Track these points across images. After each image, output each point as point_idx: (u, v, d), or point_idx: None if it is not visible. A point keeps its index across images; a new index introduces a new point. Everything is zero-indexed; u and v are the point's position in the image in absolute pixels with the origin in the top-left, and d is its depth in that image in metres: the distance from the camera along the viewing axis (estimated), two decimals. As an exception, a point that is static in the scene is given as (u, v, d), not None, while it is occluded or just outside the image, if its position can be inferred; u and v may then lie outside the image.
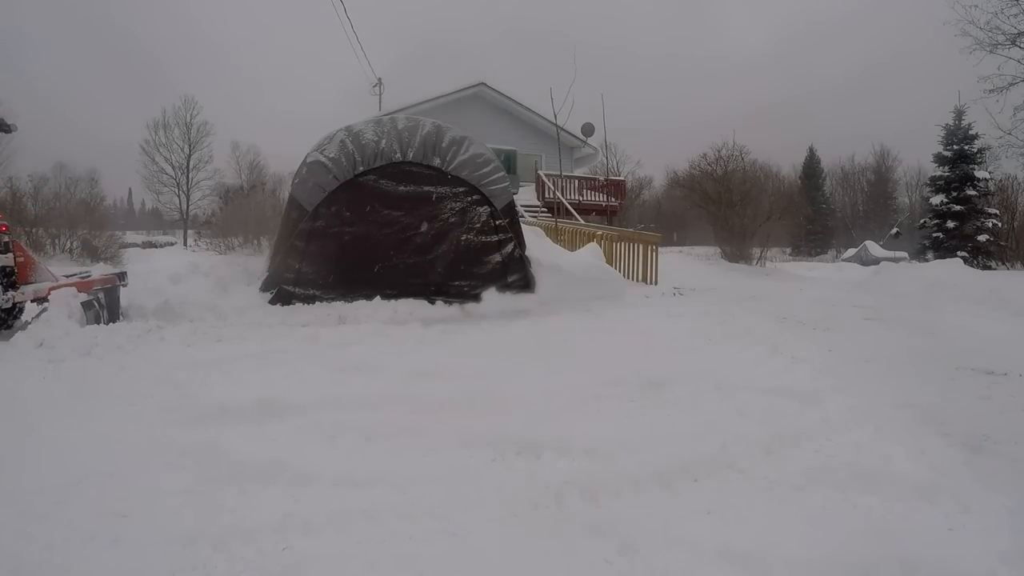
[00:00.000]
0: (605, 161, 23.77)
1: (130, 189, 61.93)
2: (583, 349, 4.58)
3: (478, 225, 7.33)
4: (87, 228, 11.34)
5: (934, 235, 20.55)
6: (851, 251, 31.99)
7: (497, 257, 7.48)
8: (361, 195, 6.84)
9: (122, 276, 6.03)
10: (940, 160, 20.98)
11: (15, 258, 5.24)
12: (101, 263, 10.00)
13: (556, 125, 14.62)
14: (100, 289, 5.52)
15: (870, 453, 2.37)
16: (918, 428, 2.72)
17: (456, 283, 7.24)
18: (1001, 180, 21.26)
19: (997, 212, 20.00)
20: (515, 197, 8.80)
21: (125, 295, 6.00)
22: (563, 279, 8.24)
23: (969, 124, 20.55)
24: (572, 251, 10.50)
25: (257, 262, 8.03)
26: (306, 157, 6.94)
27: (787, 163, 48.36)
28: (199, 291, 6.84)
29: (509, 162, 17.91)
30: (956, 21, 15.03)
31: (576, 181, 19.32)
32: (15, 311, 5.30)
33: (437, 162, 6.99)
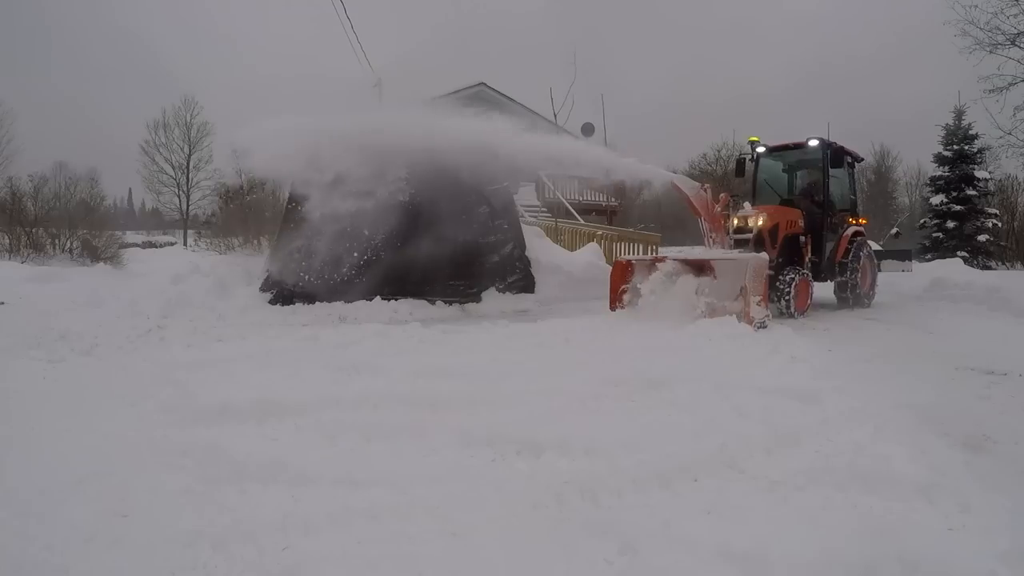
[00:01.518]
0: (605, 161, 23.75)
1: (130, 189, 61.76)
2: (583, 349, 4.58)
3: (476, 225, 7.34)
4: (87, 228, 11.33)
5: (934, 235, 20.53)
6: (851, 251, 31.88)
7: (496, 257, 7.49)
8: (362, 196, 6.84)
9: None
10: (940, 160, 20.96)
11: None
12: (101, 263, 10.00)
13: (556, 125, 14.63)
14: None
15: (870, 453, 2.36)
16: (918, 428, 2.72)
17: (456, 283, 7.25)
18: (1001, 180, 21.26)
19: (997, 212, 20.00)
20: (515, 197, 8.81)
21: (127, 293, 5.99)
22: (563, 279, 8.26)
23: (969, 124, 20.53)
24: (572, 251, 10.50)
25: (257, 262, 8.03)
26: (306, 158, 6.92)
27: (787, 163, 48.27)
28: (199, 291, 6.84)
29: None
30: (956, 21, 15.02)
31: (576, 181, 19.31)
32: None
33: (438, 161, 6.98)
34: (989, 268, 17.76)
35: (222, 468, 2.25)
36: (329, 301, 6.64)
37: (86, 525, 1.86)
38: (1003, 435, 2.69)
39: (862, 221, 8.55)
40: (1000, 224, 19.69)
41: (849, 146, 8.18)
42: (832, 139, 7.76)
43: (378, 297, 6.72)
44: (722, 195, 6.97)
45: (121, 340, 4.41)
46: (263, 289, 6.99)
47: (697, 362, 4.03)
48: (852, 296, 7.66)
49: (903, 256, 9.81)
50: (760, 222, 6.88)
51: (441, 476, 2.22)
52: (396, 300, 6.76)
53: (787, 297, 6.52)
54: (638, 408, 3.04)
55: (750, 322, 5.36)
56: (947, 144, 20.93)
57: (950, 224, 19.91)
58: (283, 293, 6.78)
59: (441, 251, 7.09)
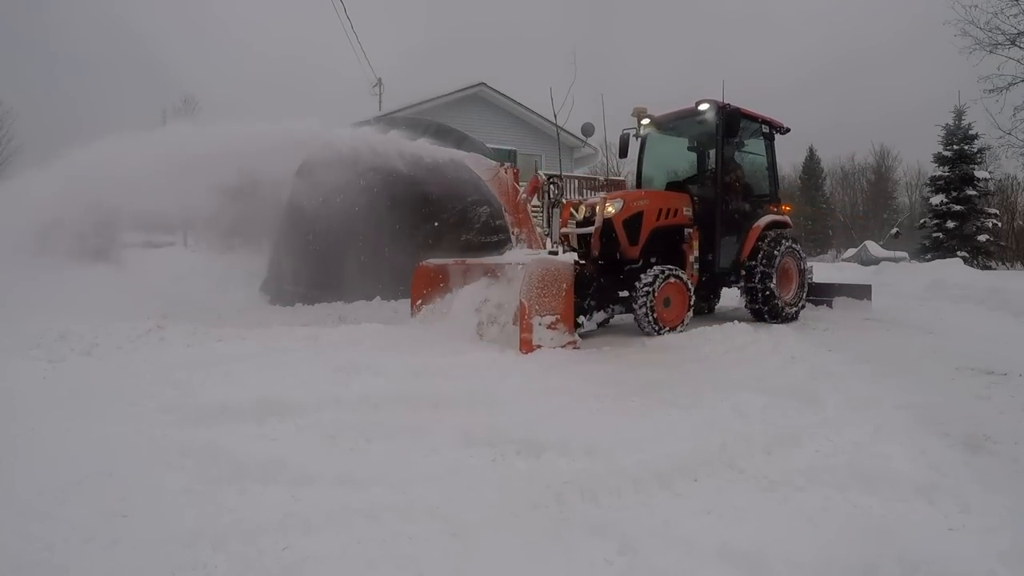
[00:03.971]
0: (605, 161, 23.78)
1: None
2: (583, 348, 4.58)
3: (478, 225, 7.35)
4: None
5: (934, 235, 20.57)
6: (851, 251, 31.93)
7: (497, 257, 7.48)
8: (361, 195, 6.85)
9: None
10: (940, 160, 21.00)
11: None
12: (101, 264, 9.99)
13: (556, 125, 14.61)
14: None
15: (870, 453, 2.37)
16: (918, 428, 2.72)
17: (456, 283, 7.24)
18: (1001, 180, 21.32)
19: (997, 212, 20.03)
20: (515, 197, 8.80)
21: (126, 293, 6.00)
22: (563, 279, 8.20)
23: (969, 124, 20.57)
24: (572, 251, 10.49)
25: (257, 262, 8.03)
26: (306, 158, 6.94)
27: (787, 162, 48.41)
28: (199, 291, 6.85)
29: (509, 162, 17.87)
30: (956, 21, 15.06)
31: (576, 181, 19.31)
32: None
33: (438, 162, 7.00)
34: (989, 268, 17.78)
35: (222, 468, 2.25)
36: (329, 301, 6.64)
37: (86, 525, 1.86)
38: (1003, 435, 2.69)
39: (785, 208, 6.88)
40: (1000, 224, 19.73)
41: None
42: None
43: (378, 297, 6.72)
44: (534, 176, 5.55)
45: (121, 340, 4.41)
46: (263, 289, 7.00)
47: (696, 362, 4.03)
48: (765, 306, 5.96)
49: (860, 293, 7.48)
50: (611, 210, 5.30)
51: (441, 476, 2.22)
52: (396, 300, 6.76)
53: (644, 307, 5.03)
54: (638, 408, 3.04)
55: (528, 350, 4.17)
56: (947, 144, 20.97)
57: (950, 224, 19.95)
58: (283, 293, 6.79)
59: (442, 251, 7.09)
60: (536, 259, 4.61)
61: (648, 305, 5.04)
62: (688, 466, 2.27)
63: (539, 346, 4.25)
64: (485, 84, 19.55)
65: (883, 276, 11.57)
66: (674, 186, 6.38)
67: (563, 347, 4.38)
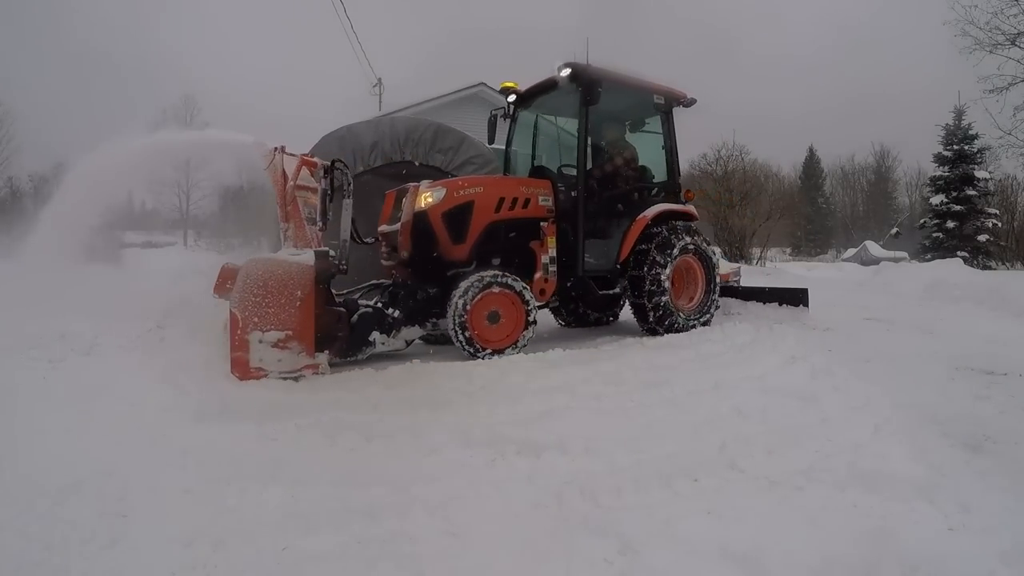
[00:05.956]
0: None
1: (130, 189, 61.44)
2: (582, 347, 4.58)
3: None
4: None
5: (934, 235, 20.60)
6: (851, 251, 31.99)
7: (496, 257, 7.45)
8: (361, 195, 6.84)
9: None
10: (940, 160, 21.03)
11: None
12: (101, 263, 9.97)
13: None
14: None
15: (870, 453, 2.37)
16: (918, 428, 2.72)
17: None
18: (1001, 180, 21.35)
19: (997, 212, 20.06)
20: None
21: (126, 293, 5.98)
22: (563, 279, 8.17)
23: (969, 124, 20.59)
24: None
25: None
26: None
27: (787, 163, 48.47)
28: (199, 291, 6.83)
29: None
30: (956, 21, 15.08)
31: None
32: None
33: (439, 159, 7.00)
34: (989, 268, 17.80)
35: (222, 468, 2.25)
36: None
37: (86, 525, 1.86)
38: (1003, 435, 2.69)
39: (688, 195, 5.60)
40: (1000, 224, 19.76)
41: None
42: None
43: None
44: (301, 156, 4.27)
45: (121, 340, 4.40)
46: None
47: (696, 361, 4.03)
48: (660, 326, 4.94)
49: (794, 299, 5.91)
50: (430, 200, 4.32)
51: (441, 476, 2.22)
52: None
53: (454, 323, 4.12)
54: (638, 408, 3.04)
55: (243, 374, 3.39)
56: (947, 144, 20.99)
57: (950, 224, 19.98)
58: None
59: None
60: (257, 259, 3.69)
61: (459, 321, 4.09)
62: (688, 466, 2.27)
63: (260, 370, 3.42)
64: (485, 84, 19.51)
65: (883, 276, 11.58)
66: (538, 172, 5.36)
67: (299, 372, 3.52)
